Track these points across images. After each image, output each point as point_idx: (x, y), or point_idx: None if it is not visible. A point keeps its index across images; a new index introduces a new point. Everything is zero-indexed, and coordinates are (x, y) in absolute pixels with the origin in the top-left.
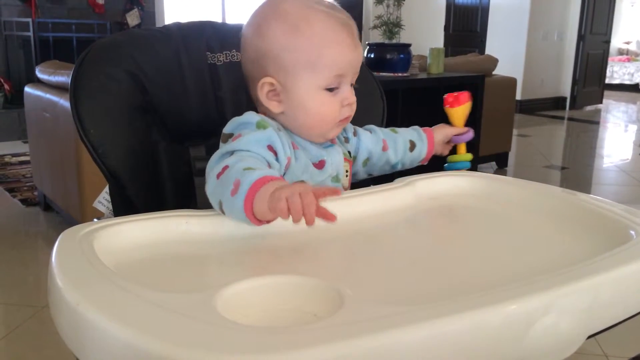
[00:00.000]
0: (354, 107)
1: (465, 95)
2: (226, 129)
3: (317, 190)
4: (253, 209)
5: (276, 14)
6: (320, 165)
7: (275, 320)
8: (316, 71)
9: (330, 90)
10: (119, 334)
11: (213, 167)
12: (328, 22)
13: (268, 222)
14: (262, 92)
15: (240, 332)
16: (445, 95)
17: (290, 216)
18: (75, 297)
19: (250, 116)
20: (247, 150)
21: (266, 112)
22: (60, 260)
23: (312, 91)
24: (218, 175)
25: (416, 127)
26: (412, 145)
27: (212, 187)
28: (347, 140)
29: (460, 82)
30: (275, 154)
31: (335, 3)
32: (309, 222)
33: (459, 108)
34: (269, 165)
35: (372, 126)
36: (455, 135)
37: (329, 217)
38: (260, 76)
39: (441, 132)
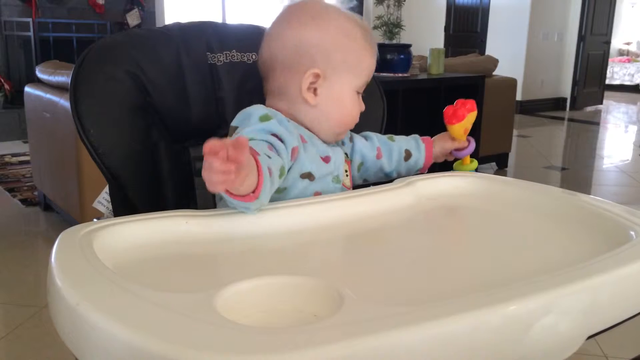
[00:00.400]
0: None
1: (463, 109)
2: (233, 122)
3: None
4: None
5: (328, 15)
6: (326, 159)
7: (275, 321)
8: (356, 74)
9: (357, 94)
10: (118, 334)
11: None
12: (366, 35)
13: (243, 197)
14: (305, 82)
15: (240, 332)
16: (445, 109)
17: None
18: (74, 297)
19: (255, 109)
20: (251, 138)
21: (274, 105)
22: (59, 260)
23: (349, 91)
24: None
25: (416, 136)
26: (408, 155)
27: None
28: (342, 143)
29: (461, 83)
30: (282, 140)
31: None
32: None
33: (458, 125)
34: (272, 147)
35: (369, 133)
36: (455, 150)
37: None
38: (304, 66)
39: (439, 145)
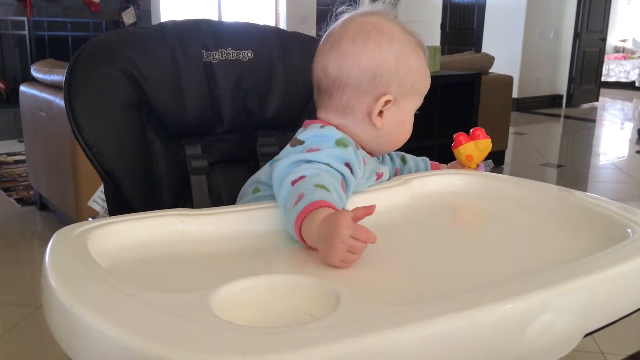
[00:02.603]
0: None
1: (464, 136)
2: (301, 136)
3: (355, 214)
4: (301, 228)
5: (404, 38)
6: (379, 176)
7: (271, 320)
8: (420, 96)
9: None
10: (112, 334)
11: (287, 172)
12: (426, 55)
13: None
14: (378, 107)
15: (235, 332)
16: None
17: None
18: (68, 297)
19: (331, 131)
20: (326, 163)
21: (337, 123)
22: (53, 261)
23: (412, 113)
24: (293, 182)
25: (426, 159)
26: None
27: (284, 193)
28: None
29: (457, 81)
30: (352, 170)
31: None
32: (374, 241)
33: (460, 148)
34: (344, 181)
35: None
36: None
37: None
38: (377, 91)
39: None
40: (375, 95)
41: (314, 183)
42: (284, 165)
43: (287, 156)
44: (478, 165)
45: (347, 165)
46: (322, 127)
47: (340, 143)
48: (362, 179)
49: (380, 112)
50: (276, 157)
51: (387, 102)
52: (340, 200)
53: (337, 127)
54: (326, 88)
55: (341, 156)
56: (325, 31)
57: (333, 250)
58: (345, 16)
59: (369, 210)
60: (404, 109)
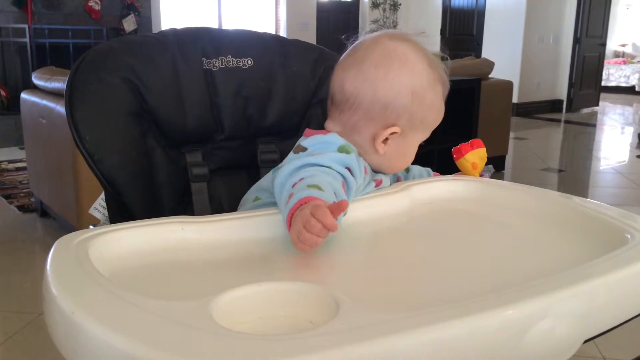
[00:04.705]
0: None
1: (466, 146)
2: (304, 143)
3: (330, 205)
4: (291, 228)
5: (425, 72)
6: (378, 183)
7: (271, 328)
8: (428, 130)
9: None
10: (114, 342)
11: (289, 177)
12: (445, 90)
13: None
14: (383, 135)
15: (235, 339)
16: (453, 148)
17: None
18: (70, 305)
19: (334, 137)
20: (328, 166)
21: (346, 136)
22: (55, 268)
23: (416, 145)
24: (293, 185)
25: (429, 169)
26: None
27: (285, 195)
28: None
29: (457, 86)
30: (353, 174)
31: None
32: (332, 229)
33: (466, 156)
34: (345, 183)
35: None
36: None
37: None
38: (387, 120)
39: None
40: (384, 124)
41: (307, 184)
42: (287, 171)
43: (290, 162)
44: (481, 174)
45: (348, 169)
46: (325, 134)
47: (342, 149)
48: (361, 185)
49: (385, 140)
50: (279, 165)
51: (394, 133)
52: (335, 198)
53: (341, 136)
54: (339, 103)
55: (342, 161)
56: (353, 41)
57: (293, 226)
58: (374, 35)
59: (341, 204)
60: (409, 141)
